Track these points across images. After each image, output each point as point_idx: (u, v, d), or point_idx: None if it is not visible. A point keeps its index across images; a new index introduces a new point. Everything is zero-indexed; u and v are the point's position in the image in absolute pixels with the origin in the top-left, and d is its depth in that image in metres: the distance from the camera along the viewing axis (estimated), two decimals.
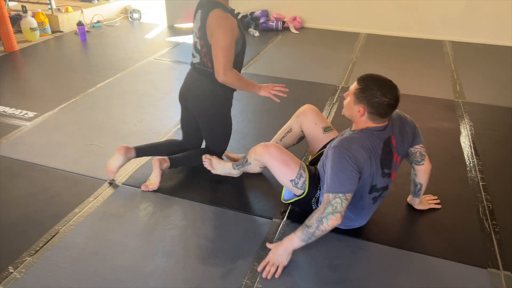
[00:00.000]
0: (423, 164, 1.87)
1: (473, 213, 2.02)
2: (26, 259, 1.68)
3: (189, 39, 4.57)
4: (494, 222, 1.95)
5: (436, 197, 2.10)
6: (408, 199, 2.08)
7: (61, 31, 4.73)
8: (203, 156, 2.21)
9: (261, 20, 5.07)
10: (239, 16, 5.13)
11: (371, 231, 1.89)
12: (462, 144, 2.61)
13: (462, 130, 2.78)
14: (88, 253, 1.72)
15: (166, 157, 2.18)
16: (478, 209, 2.04)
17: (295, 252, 1.72)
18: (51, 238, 1.79)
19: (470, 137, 2.69)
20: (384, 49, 4.37)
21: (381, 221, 1.95)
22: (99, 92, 3.21)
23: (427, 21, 4.71)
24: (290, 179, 1.82)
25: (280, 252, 1.66)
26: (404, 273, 1.68)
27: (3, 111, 2.86)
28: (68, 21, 4.86)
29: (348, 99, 1.67)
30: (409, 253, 1.78)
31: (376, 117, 1.60)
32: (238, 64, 2.06)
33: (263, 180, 2.22)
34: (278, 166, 1.82)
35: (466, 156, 2.48)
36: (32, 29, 4.38)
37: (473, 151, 2.53)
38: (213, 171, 2.19)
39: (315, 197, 1.86)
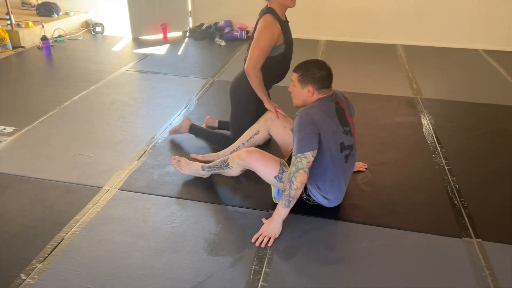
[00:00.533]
0: None
1: (443, 192, 2.27)
2: (37, 266, 1.70)
3: (156, 50, 4.64)
4: (462, 199, 2.21)
5: (365, 164, 2.47)
6: None
7: (23, 47, 4.63)
8: (172, 157, 2.37)
9: (226, 30, 5.24)
10: (204, 27, 5.27)
11: (357, 214, 2.08)
12: (426, 135, 2.89)
13: (423, 122, 3.08)
14: (98, 255, 1.77)
15: (191, 122, 2.68)
16: (447, 189, 2.30)
17: (296, 237, 1.87)
18: (58, 245, 1.82)
19: (431, 128, 2.98)
20: (345, 54, 4.68)
21: (366, 205, 2.15)
22: (76, 104, 3.21)
23: (380, 27, 5.09)
24: (274, 175, 2.00)
25: (273, 226, 1.90)
26: (390, 248, 1.88)
27: None
28: (29, 36, 4.76)
29: (295, 89, 1.98)
30: (392, 230, 1.98)
31: (323, 89, 1.95)
32: (275, 68, 2.39)
33: (254, 177, 2.35)
34: (262, 166, 2.01)
35: (430, 145, 2.76)
36: None
37: (435, 140, 2.82)
38: (181, 172, 2.32)
39: (304, 195, 2.05)
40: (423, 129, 2.97)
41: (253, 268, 1.73)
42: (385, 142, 2.81)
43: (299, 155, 1.83)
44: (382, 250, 1.86)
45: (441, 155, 2.63)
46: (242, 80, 2.42)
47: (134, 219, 2.00)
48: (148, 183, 2.28)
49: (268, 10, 2.28)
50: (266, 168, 2.01)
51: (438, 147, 2.73)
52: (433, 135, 2.89)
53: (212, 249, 1.83)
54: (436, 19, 4.91)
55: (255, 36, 2.26)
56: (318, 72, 1.91)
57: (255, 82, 2.30)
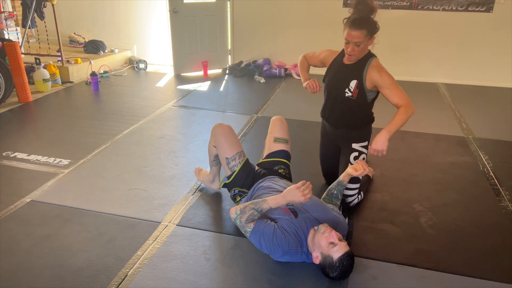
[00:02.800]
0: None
1: None
2: None
3: (199, 87, 4.74)
4: None
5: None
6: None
7: (72, 82, 4.82)
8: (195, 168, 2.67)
9: (265, 68, 5.33)
10: (243, 65, 5.38)
11: (426, 260, 1.97)
12: (485, 176, 2.78)
13: (479, 163, 2.97)
14: None
15: None
16: None
17: (365, 281, 1.79)
18: (122, 282, 1.78)
19: (490, 169, 2.87)
20: None
21: (433, 250, 2.05)
22: (127, 138, 3.27)
23: (420, 66, 5.08)
24: (226, 156, 2.17)
25: None
26: None
27: (36, 160, 2.87)
28: (77, 72, 4.96)
29: None
30: (468, 278, 1.86)
31: None
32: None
33: None
34: (223, 141, 2.18)
35: (491, 187, 2.64)
36: (45, 80, 4.45)
37: (496, 181, 2.70)
38: (197, 178, 2.61)
39: (234, 192, 2.19)
40: (481, 170, 2.87)
41: None
42: (442, 183, 2.71)
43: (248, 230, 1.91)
44: None
45: (506, 198, 2.50)
46: None
47: (195, 257, 1.95)
48: (205, 219, 2.25)
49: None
50: (225, 145, 2.17)
51: (500, 189, 2.61)
52: (493, 176, 2.77)
53: None
54: (480, 58, 4.87)
55: None
56: None
57: (298, 65, 2.57)
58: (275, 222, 1.89)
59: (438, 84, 4.97)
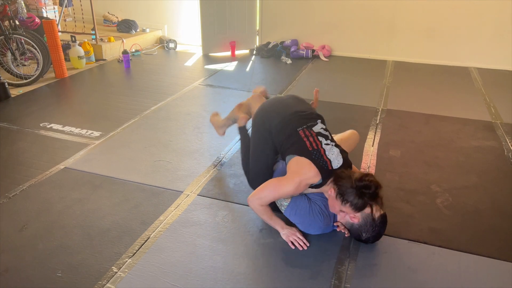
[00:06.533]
0: None
1: None
2: (127, 261, 1.80)
3: (226, 67, 4.81)
4: None
5: None
6: None
7: (105, 59, 5.00)
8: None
9: (292, 49, 5.33)
10: (270, 45, 5.40)
11: (439, 238, 2.00)
12: (509, 161, 2.74)
13: (505, 148, 2.92)
14: (182, 255, 1.85)
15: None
16: None
17: (375, 255, 1.84)
18: (144, 243, 1.92)
19: None
20: (414, 74, 4.58)
21: (447, 229, 2.07)
22: (155, 114, 3.40)
23: (452, 49, 4.94)
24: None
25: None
26: (478, 275, 1.78)
27: (70, 131, 3.05)
28: (110, 50, 5.14)
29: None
30: (479, 257, 1.88)
31: None
32: None
33: None
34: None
35: None
36: (80, 57, 4.64)
37: None
38: (210, 119, 2.78)
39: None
40: (505, 155, 2.82)
41: (333, 283, 1.72)
42: (464, 166, 2.69)
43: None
44: (469, 277, 1.77)
45: None
46: None
47: (213, 224, 2.07)
48: (225, 190, 2.36)
49: None
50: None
51: None
52: None
53: (291, 259, 1.85)
54: None
55: None
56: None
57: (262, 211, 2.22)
58: (309, 199, 1.98)
59: (470, 68, 4.82)
